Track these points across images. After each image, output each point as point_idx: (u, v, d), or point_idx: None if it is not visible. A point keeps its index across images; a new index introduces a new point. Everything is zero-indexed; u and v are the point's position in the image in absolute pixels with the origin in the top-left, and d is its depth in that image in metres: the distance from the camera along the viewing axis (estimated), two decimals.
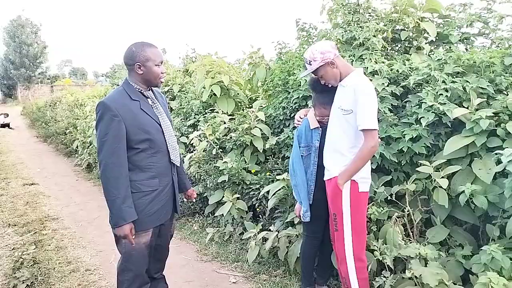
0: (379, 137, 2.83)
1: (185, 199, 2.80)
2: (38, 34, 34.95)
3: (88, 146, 7.75)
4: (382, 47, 3.36)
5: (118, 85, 8.90)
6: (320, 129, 2.63)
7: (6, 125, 16.14)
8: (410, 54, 3.40)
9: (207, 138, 4.31)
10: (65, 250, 3.94)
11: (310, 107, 2.90)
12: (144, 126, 2.18)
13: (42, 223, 4.70)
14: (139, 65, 2.17)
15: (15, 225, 4.64)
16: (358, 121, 2.24)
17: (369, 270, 2.50)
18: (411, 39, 3.61)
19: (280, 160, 3.86)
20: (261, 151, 4.03)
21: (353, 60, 3.31)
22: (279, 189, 3.32)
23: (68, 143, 9.59)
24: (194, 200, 2.79)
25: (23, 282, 3.15)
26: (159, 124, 2.27)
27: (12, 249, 3.93)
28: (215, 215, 4.20)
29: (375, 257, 2.48)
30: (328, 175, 2.46)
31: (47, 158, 9.61)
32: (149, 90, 2.30)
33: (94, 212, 5.21)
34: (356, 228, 2.35)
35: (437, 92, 2.72)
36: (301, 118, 2.80)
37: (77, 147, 8.64)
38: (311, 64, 2.35)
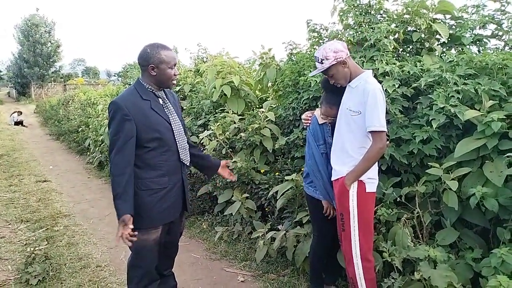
0: (389, 138, 2.83)
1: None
2: (51, 34, 35.30)
3: (100, 144, 7.84)
4: (393, 48, 3.34)
5: (130, 84, 8.96)
6: (329, 125, 2.60)
7: (20, 123, 16.35)
8: (422, 56, 3.38)
9: (217, 138, 4.34)
10: (76, 246, 4.01)
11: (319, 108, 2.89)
12: (154, 125, 2.22)
13: (54, 220, 4.78)
14: (152, 66, 2.20)
15: (27, 221, 4.72)
16: (367, 122, 2.24)
17: (376, 270, 2.50)
18: (422, 41, 3.58)
19: (289, 160, 3.87)
20: (270, 151, 4.05)
21: (364, 61, 3.30)
22: (288, 190, 3.34)
23: (80, 141, 9.70)
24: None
25: (35, 277, 3.20)
26: (169, 124, 2.30)
27: (25, 244, 4.00)
28: (224, 214, 4.23)
29: (383, 258, 2.47)
30: (335, 175, 2.46)
31: (59, 155, 9.73)
32: (160, 90, 2.33)
33: (105, 209, 5.28)
34: (363, 228, 2.35)
35: (448, 94, 2.70)
36: (309, 117, 2.78)
37: (89, 145, 8.74)
38: (322, 63, 2.33)
